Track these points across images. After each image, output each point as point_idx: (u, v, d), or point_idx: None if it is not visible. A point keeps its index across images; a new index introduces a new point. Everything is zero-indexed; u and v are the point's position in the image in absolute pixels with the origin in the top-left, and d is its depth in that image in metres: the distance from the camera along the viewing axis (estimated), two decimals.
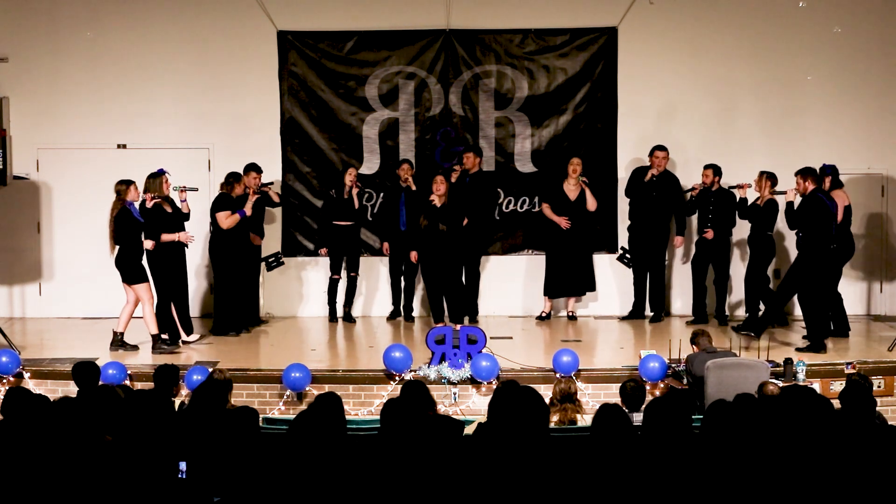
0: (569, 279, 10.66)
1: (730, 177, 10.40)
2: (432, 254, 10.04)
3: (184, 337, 9.49)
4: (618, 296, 11.16)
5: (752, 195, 10.05)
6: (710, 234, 10.29)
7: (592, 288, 10.84)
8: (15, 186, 10.70)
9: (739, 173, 10.35)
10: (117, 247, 9.09)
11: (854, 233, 11.01)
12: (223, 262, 9.86)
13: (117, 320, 9.26)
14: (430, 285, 10.18)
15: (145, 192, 9.24)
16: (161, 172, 9.32)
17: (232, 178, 9.87)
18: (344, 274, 10.70)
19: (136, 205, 9.16)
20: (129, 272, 9.08)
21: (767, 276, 10.12)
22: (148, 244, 9.15)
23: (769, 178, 9.80)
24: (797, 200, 9.11)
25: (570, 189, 10.56)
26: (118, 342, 9.16)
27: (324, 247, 10.69)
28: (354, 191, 10.51)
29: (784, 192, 9.31)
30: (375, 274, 11.25)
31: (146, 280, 9.13)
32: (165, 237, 9.22)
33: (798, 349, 8.88)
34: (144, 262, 9.23)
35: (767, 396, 6.45)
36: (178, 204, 9.53)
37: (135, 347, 9.17)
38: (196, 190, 9.80)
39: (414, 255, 10.39)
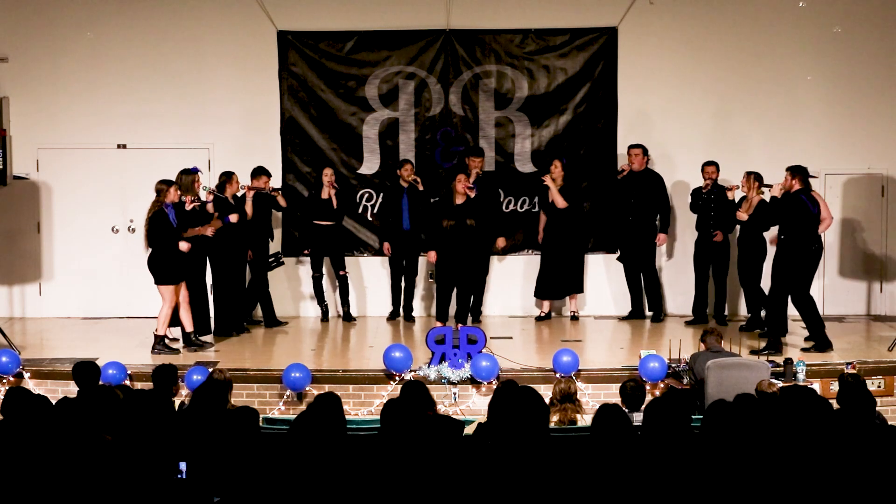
0: (557, 281, 10.66)
1: (730, 176, 10.40)
2: (456, 252, 10.00)
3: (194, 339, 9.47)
4: (618, 296, 11.16)
5: (738, 197, 10.03)
6: (719, 237, 10.28)
7: (580, 289, 10.83)
8: (15, 186, 10.70)
9: (739, 173, 10.34)
10: (150, 248, 9.05)
11: (854, 233, 11.05)
12: (223, 262, 9.86)
13: (156, 323, 9.17)
14: (447, 284, 10.11)
15: (181, 191, 9.19)
16: (195, 170, 9.31)
17: (224, 178, 9.87)
18: (328, 271, 10.72)
19: (173, 206, 9.09)
20: (159, 273, 9.04)
21: (759, 277, 10.11)
22: (183, 246, 9.08)
23: (756, 178, 9.75)
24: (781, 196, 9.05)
25: (550, 192, 10.58)
26: (161, 345, 9.07)
27: (307, 247, 10.75)
28: (332, 191, 10.50)
29: (770, 187, 9.19)
30: (375, 274, 11.25)
31: (172, 283, 9.06)
32: (190, 231, 9.21)
33: (804, 349, 8.85)
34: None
35: (765, 393, 6.46)
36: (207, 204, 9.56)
37: (175, 351, 9.12)
38: (225, 197, 9.82)
39: (433, 255, 10.29)
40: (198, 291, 9.53)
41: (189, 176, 9.29)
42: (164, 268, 9.02)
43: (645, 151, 10.58)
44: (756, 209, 9.74)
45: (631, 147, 10.61)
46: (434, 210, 10.38)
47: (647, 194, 10.52)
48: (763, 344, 8.98)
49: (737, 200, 10.02)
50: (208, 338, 9.59)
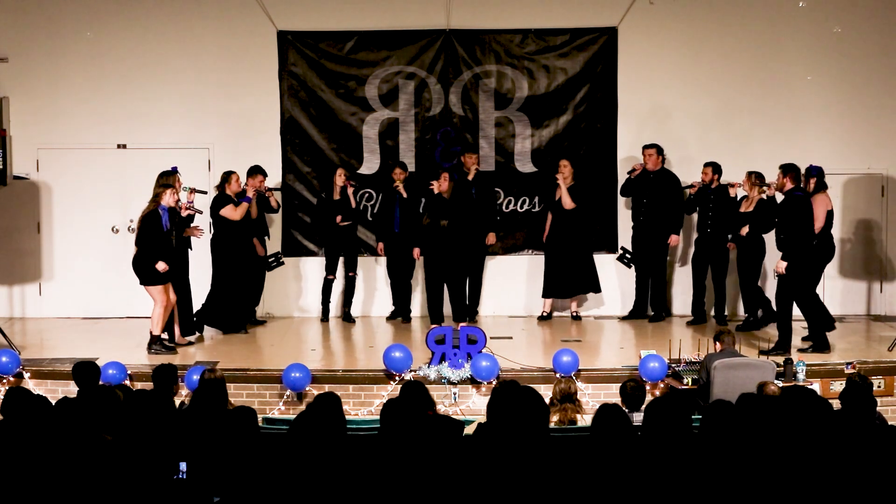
0: (566, 280, 10.66)
1: (729, 176, 10.41)
2: (434, 250, 10.04)
3: (178, 338, 9.48)
4: (618, 296, 11.16)
5: (739, 195, 10.05)
6: (732, 247, 10.26)
7: (596, 289, 10.81)
8: (15, 186, 10.70)
9: (739, 173, 10.34)
10: (137, 247, 9.05)
11: (854, 233, 11.05)
12: (225, 262, 9.86)
13: (150, 322, 9.16)
14: (431, 283, 10.16)
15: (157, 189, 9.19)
16: (174, 171, 9.27)
17: (227, 175, 9.90)
18: (341, 273, 10.71)
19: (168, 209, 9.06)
20: (144, 274, 9.04)
21: (757, 276, 10.12)
22: (160, 266, 8.93)
23: (757, 177, 9.76)
24: (779, 197, 9.05)
25: (558, 191, 10.59)
26: (158, 344, 9.06)
27: (323, 248, 10.78)
28: (349, 190, 10.51)
29: (768, 186, 9.19)
30: (375, 274, 11.25)
31: (161, 283, 9.04)
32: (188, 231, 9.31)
33: (800, 350, 8.84)
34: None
35: (768, 396, 6.45)
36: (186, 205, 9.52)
37: (172, 350, 9.12)
38: (205, 193, 9.83)
39: (416, 252, 10.37)
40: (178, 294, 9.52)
41: (170, 177, 9.21)
42: (149, 269, 9.00)
43: (659, 151, 10.58)
44: (756, 208, 9.74)
45: (645, 147, 10.59)
46: (423, 206, 10.42)
47: (660, 194, 10.51)
48: (808, 344, 8.98)
49: (738, 198, 10.03)
50: (190, 337, 9.58)
